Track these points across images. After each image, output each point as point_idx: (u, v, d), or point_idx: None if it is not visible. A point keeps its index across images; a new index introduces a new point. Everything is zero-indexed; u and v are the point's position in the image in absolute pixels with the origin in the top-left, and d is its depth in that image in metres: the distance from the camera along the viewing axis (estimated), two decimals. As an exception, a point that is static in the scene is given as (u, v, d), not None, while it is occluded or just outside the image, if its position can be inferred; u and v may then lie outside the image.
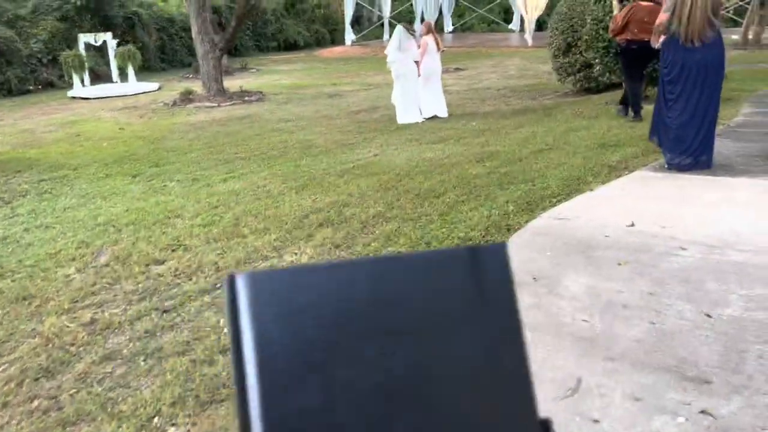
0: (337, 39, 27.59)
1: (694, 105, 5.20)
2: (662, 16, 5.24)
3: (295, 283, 0.43)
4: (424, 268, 0.45)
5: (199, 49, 13.97)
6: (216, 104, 13.60)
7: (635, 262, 3.23)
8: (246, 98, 14.07)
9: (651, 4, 7.33)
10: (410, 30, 9.64)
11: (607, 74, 9.37)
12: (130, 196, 6.33)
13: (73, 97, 16.89)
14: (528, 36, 22.44)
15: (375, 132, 9.26)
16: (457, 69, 18.22)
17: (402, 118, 9.56)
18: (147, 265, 4.14)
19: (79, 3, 19.55)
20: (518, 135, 7.36)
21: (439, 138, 8.09)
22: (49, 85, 19.05)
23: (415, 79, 9.45)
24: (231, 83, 17.84)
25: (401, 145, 7.89)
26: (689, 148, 5.30)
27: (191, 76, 19.99)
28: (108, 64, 18.65)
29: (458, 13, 31.73)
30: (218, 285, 3.64)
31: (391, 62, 9.59)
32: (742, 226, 3.62)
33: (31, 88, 18.55)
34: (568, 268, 3.17)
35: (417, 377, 0.43)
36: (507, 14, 30.63)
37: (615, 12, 7.87)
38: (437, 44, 9.56)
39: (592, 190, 4.43)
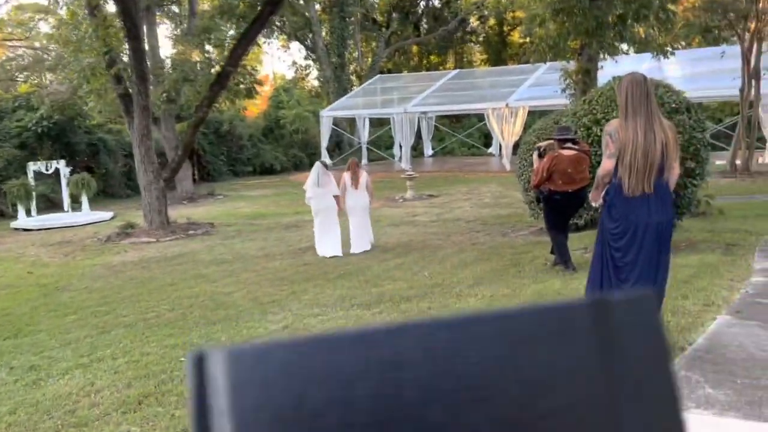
0: (314, 163, 26.53)
1: (648, 273, 3.91)
2: (606, 163, 3.82)
3: (307, 363, 0.26)
4: (519, 331, 0.28)
5: (142, 178, 12.47)
6: (154, 239, 11.88)
7: None
8: (191, 232, 12.39)
9: (573, 152, 6.51)
10: (327, 166, 9.74)
11: (585, 213, 7.71)
12: None
13: (16, 229, 15.25)
14: (506, 160, 21.33)
15: (310, 281, 7.46)
16: (430, 195, 16.77)
17: (319, 250, 9.22)
18: None
19: (39, 130, 18.40)
20: (471, 300, 5.52)
21: (377, 297, 6.24)
22: (0, 215, 17.47)
23: (334, 214, 9.19)
24: (186, 212, 16.30)
25: (327, 306, 6.03)
26: None
27: (153, 203, 18.50)
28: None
29: (439, 138, 31.09)
30: None
31: (309, 198, 9.36)
32: None
33: (-23, 218, 16.93)
34: None
35: None
36: (487, 138, 29.96)
37: (535, 164, 6.86)
38: (354, 182, 9.22)
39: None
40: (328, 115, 24.41)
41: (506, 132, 21.60)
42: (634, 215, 3.84)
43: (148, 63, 17.12)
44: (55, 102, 17.23)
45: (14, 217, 16.05)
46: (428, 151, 29.23)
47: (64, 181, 16.62)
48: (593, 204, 4.08)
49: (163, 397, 3.85)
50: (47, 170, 16.32)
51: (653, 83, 7.32)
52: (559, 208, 6.72)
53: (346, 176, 9.26)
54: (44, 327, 6.34)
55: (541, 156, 6.76)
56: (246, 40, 11.95)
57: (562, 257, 6.80)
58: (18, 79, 30.01)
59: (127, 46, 11.77)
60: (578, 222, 8.24)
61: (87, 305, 7.17)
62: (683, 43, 29.33)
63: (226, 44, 15.88)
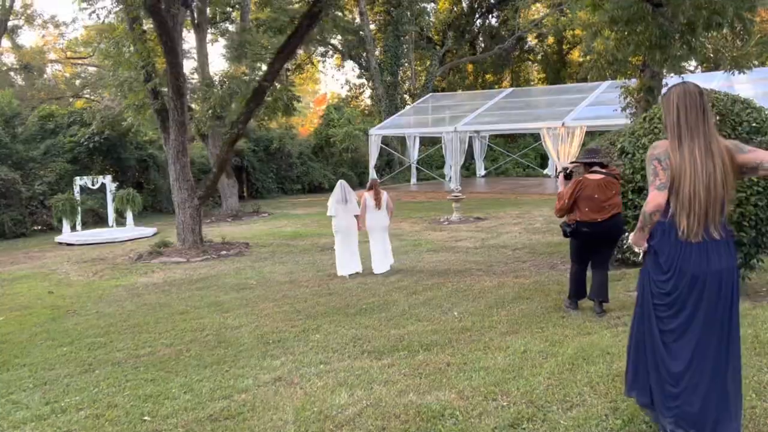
0: (365, 182, 25.91)
1: (707, 344, 2.91)
2: (657, 196, 2.89)
3: None
4: None
5: (176, 196, 11.99)
6: (185, 259, 11.34)
7: None
8: (223, 252, 11.81)
9: (600, 176, 5.81)
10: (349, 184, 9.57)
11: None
12: None
13: (60, 243, 15.12)
14: (560, 183, 20.02)
15: (326, 316, 6.62)
16: (478, 218, 15.73)
17: (340, 270, 9.11)
18: None
19: (91, 145, 18.43)
20: (500, 356, 4.52)
21: (394, 341, 5.33)
22: (49, 228, 17.49)
23: (355, 233, 9.14)
24: (227, 230, 15.83)
25: (335, 352, 5.17)
26: (704, 414, 2.85)
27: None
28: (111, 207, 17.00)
29: (492, 158, 29.95)
30: None
31: (330, 215, 9.25)
32: None
33: (27, 231, 16.95)
34: None
35: None
36: (544, 159, 28.62)
37: (560, 188, 6.08)
38: (377, 202, 9.08)
39: None
40: (377, 133, 23.73)
41: (562, 152, 20.33)
42: (689, 264, 2.88)
43: (196, 79, 16.90)
44: (105, 117, 17.17)
45: (60, 231, 15.96)
46: (480, 171, 28.15)
47: (109, 197, 16.48)
48: (636, 249, 3.09)
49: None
50: (93, 185, 16.20)
51: (729, 98, 6.21)
52: (590, 242, 5.92)
53: (368, 196, 9.14)
54: (32, 360, 5.73)
55: (567, 177, 6.07)
56: (283, 55, 11.36)
57: (575, 292, 6.09)
58: (83, 95, 30.82)
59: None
60: (636, 258, 7.12)
61: (87, 335, 6.56)
62: (755, 62, 27.26)
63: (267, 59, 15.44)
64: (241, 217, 18.49)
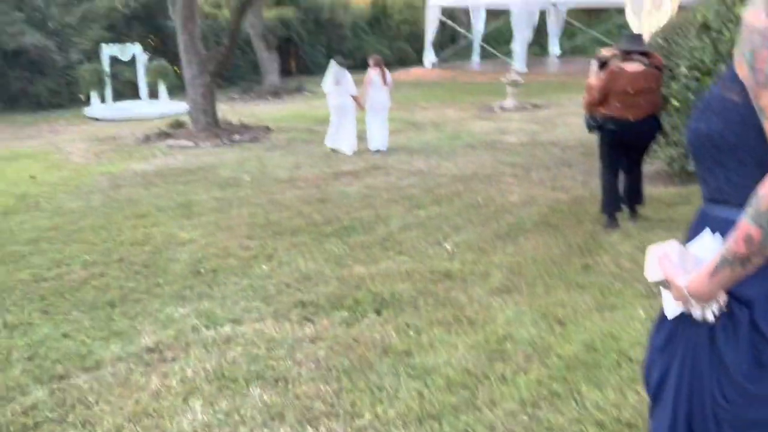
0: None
1: None
2: None
3: None
4: None
5: (186, 71, 10.50)
6: (193, 144, 10.06)
7: None
8: (236, 137, 10.42)
9: (639, 67, 4.71)
10: (342, 64, 9.18)
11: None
12: None
13: (89, 117, 14.20)
14: (593, 73, 17.05)
15: (296, 234, 5.21)
16: (535, 106, 13.54)
17: (327, 141, 9.20)
18: None
19: (128, 12, 16.95)
20: (464, 344, 2.94)
21: (350, 289, 3.86)
22: (88, 99, 16.60)
23: (352, 111, 9.06)
24: (260, 109, 14.45)
25: (263, 300, 3.78)
26: None
27: (237, 97, 16.80)
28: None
29: (570, 33, 26.40)
30: None
31: (328, 94, 9.25)
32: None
33: (65, 102, 16.09)
34: None
35: None
36: (627, 36, 24.86)
37: (591, 78, 4.92)
38: (383, 79, 8.89)
39: None
40: (435, 4, 20.90)
41: (648, 27, 17.13)
42: None
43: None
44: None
45: (87, 103, 15.01)
46: (555, 49, 24.86)
47: (141, 68, 15.22)
48: (697, 312, 1.17)
49: None
50: (122, 55, 14.88)
51: None
52: (615, 142, 4.88)
53: (374, 73, 8.88)
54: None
55: (602, 67, 4.92)
56: None
57: (608, 206, 4.99)
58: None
59: None
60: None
61: (18, 240, 5.45)
62: None
63: None
64: (281, 95, 16.94)
